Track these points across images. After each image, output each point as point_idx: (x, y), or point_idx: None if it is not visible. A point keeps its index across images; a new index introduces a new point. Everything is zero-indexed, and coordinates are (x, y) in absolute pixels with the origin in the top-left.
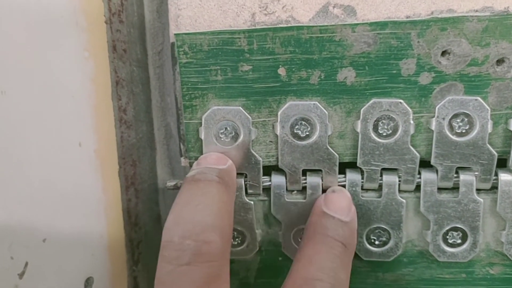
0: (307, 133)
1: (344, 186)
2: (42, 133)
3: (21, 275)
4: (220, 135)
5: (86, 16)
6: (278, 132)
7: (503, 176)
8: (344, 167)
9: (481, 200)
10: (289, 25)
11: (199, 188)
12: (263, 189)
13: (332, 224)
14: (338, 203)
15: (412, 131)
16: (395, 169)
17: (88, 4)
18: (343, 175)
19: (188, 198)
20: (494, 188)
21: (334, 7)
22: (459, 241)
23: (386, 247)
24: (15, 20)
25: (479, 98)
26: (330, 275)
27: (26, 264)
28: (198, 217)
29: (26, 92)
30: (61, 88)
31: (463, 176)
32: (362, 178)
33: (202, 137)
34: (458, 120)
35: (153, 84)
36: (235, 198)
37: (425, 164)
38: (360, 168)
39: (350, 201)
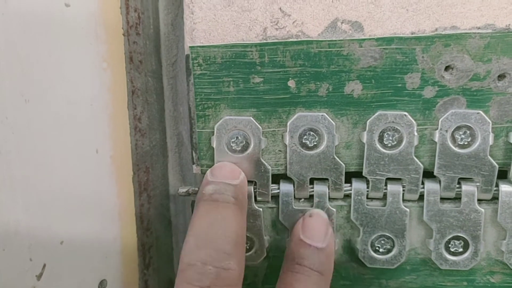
0: (315, 143)
1: (349, 195)
2: (62, 139)
3: (39, 277)
4: (231, 144)
5: (106, 28)
6: (287, 142)
7: (504, 187)
8: (350, 177)
9: (482, 210)
10: (299, 39)
11: (218, 212)
12: (271, 196)
13: (309, 253)
14: (314, 229)
15: (416, 142)
16: (399, 179)
17: (108, 17)
18: (349, 184)
19: (209, 221)
20: (495, 198)
21: (342, 22)
22: (460, 249)
23: (390, 254)
24: (39, 31)
25: (481, 112)
26: None
27: (44, 266)
28: (219, 244)
29: (48, 101)
30: (80, 97)
31: (465, 187)
32: (368, 187)
33: (214, 146)
34: (461, 133)
35: (167, 94)
36: None
37: (428, 174)
38: (366, 178)
39: (327, 224)
